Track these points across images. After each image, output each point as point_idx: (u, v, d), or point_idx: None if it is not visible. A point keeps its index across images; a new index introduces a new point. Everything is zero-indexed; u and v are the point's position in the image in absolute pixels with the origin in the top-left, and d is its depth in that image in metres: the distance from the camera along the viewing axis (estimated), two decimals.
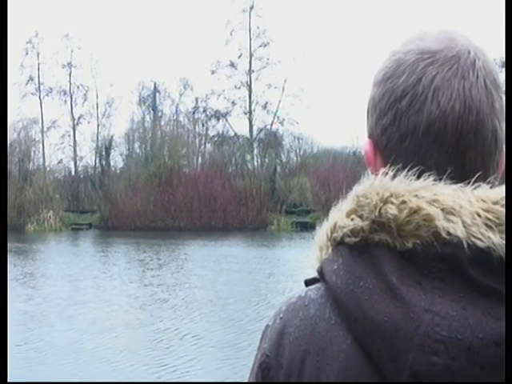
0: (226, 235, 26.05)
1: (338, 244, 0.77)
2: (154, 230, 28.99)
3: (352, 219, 0.75)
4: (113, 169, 34.84)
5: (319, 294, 0.78)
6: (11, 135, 32.80)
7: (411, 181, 0.73)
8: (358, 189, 0.77)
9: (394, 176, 0.74)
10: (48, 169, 34.52)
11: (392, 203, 0.72)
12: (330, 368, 0.73)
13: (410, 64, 0.76)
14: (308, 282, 0.82)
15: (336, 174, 30.09)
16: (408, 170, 0.74)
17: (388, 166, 0.77)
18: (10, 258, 19.08)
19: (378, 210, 0.73)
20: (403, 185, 0.73)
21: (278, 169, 35.06)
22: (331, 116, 57.40)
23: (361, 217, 0.74)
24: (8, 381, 1.90)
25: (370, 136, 0.81)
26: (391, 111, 0.77)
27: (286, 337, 0.78)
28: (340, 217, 0.77)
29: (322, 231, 0.80)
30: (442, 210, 0.70)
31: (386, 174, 0.75)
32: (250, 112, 36.29)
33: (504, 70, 0.86)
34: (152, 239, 24.65)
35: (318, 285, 0.79)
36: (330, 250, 0.78)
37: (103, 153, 34.56)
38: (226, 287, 12.95)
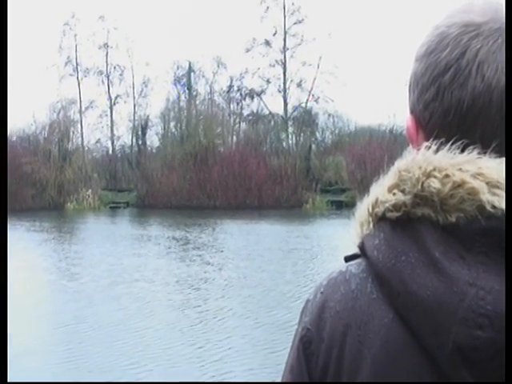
0: (261, 214, 26.14)
1: (380, 219, 0.77)
2: (189, 208, 29.30)
3: (394, 194, 0.75)
4: (149, 148, 35.25)
5: (360, 269, 0.78)
6: (51, 116, 33.52)
7: (455, 155, 0.72)
8: (399, 163, 0.76)
9: (437, 150, 0.73)
10: (86, 148, 35.17)
11: (435, 177, 0.72)
12: (371, 342, 0.73)
13: (454, 37, 0.75)
14: (348, 258, 0.82)
15: (372, 151, 29.75)
16: (451, 144, 0.73)
17: (430, 141, 0.75)
18: (52, 236, 19.61)
19: (420, 184, 0.72)
20: (446, 158, 0.72)
21: (313, 147, 34.85)
22: (367, 93, 56.53)
23: (403, 191, 0.74)
24: (8, 381, 1.89)
25: (412, 112, 0.80)
26: (434, 86, 0.76)
27: (327, 311, 0.78)
28: (381, 192, 0.77)
29: (363, 207, 0.80)
30: (487, 183, 0.70)
31: (429, 148, 0.74)
32: (285, 90, 36.06)
33: None
34: (189, 218, 24.88)
35: (358, 260, 0.80)
36: (371, 226, 0.78)
37: (139, 132, 34.95)
38: (262, 265, 12.90)
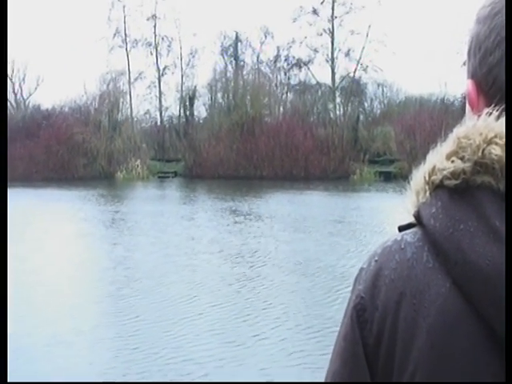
0: (308, 185, 26.06)
1: (437, 187, 0.75)
2: (236, 178, 29.47)
3: (452, 161, 0.73)
4: (196, 118, 35.48)
5: (416, 238, 0.77)
6: (101, 87, 34.10)
7: None
8: (459, 130, 0.74)
9: (499, 116, 0.71)
10: (135, 119, 35.71)
11: (496, 144, 0.69)
12: (427, 311, 0.73)
13: None
14: (402, 228, 0.81)
15: (422, 122, 29.05)
16: None
17: (492, 106, 0.73)
18: (103, 205, 20.08)
19: (481, 151, 0.70)
20: None
21: (361, 117, 34.35)
22: (417, 62, 54.96)
23: (462, 158, 0.72)
24: (8, 381, 1.88)
25: (473, 76, 0.77)
26: (499, 49, 0.73)
27: (381, 279, 0.78)
28: (439, 159, 0.75)
29: (419, 175, 0.78)
30: None
31: (490, 114, 0.71)
32: (333, 59, 35.47)
33: None
34: (235, 188, 24.98)
35: (414, 229, 0.78)
36: (427, 194, 0.77)
37: (187, 103, 35.19)
38: (310, 236, 12.83)
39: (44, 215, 17.16)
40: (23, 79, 36.27)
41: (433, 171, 0.76)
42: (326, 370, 0.83)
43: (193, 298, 7.82)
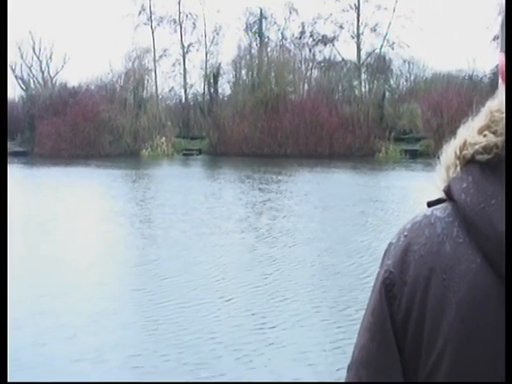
0: (333, 162, 25.95)
1: (468, 162, 0.75)
2: (260, 156, 29.47)
3: (485, 135, 0.72)
4: (221, 96, 35.45)
5: (446, 213, 0.76)
6: (126, 64, 34.23)
7: None
8: (491, 104, 0.73)
9: None
10: (160, 97, 35.80)
11: None
12: (457, 286, 0.73)
13: None
14: (431, 203, 0.80)
15: (449, 99, 28.61)
16: None
17: None
18: (131, 182, 20.29)
19: None
20: None
21: (387, 94, 33.90)
22: (445, 38, 53.85)
23: (495, 133, 0.71)
24: (8, 381, 1.87)
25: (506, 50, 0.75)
26: None
27: (410, 254, 0.77)
28: (471, 134, 0.74)
29: (450, 150, 0.77)
30: None
31: None
32: (358, 36, 34.97)
33: None
34: (260, 166, 24.94)
35: (444, 204, 0.78)
36: (458, 169, 0.76)
37: (211, 80, 35.13)
38: (335, 214, 12.73)
39: (73, 193, 17.36)
40: (50, 57, 36.59)
41: (464, 146, 0.75)
42: (354, 345, 0.83)
43: (223, 278, 7.62)
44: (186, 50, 36.65)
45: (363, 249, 9.12)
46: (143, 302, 6.72)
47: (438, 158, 0.80)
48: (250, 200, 15.18)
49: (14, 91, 36.82)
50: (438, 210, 0.78)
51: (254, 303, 6.63)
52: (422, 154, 27.37)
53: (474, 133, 0.75)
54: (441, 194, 0.79)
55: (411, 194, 15.38)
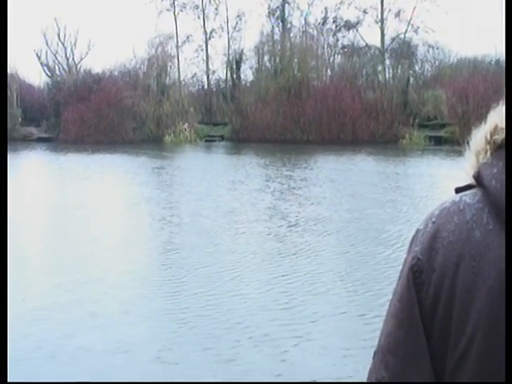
0: (356, 149, 25.80)
1: (499, 147, 0.74)
2: (283, 142, 29.40)
3: None
4: (243, 82, 35.41)
5: (476, 200, 0.75)
6: (150, 51, 34.37)
7: None
8: None
9: None
10: (183, 83, 35.90)
11: None
12: (486, 274, 0.72)
13: None
14: (459, 190, 0.79)
15: (475, 84, 28.18)
16: None
17: None
18: (157, 169, 20.41)
19: None
20: None
21: (411, 80, 33.54)
22: (471, 22, 52.86)
23: None
24: (8, 381, 1.82)
25: None
26: None
27: (439, 241, 0.77)
28: (501, 118, 0.73)
29: (480, 135, 0.76)
30: None
31: None
32: (382, 21, 34.58)
33: None
34: (282, 152, 24.88)
35: (473, 190, 0.77)
36: (488, 154, 0.75)
37: (234, 66, 35.10)
38: (359, 202, 12.63)
39: (98, 179, 17.49)
40: (75, 44, 36.88)
41: (495, 131, 0.74)
42: (380, 332, 0.82)
43: (256, 268, 7.44)
44: (208, 36, 36.67)
45: (396, 238, 8.90)
46: (174, 292, 6.50)
47: (467, 143, 0.79)
48: (277, 187, 15.08)
49: (39, 78, 37.32)
50: (468, 196, 0.77)
51: (290, 295, 6.36)
52: (446, 141, 27.08)
53: (504, 117, 0.74)
54: (470, 180, 0.78)
55: (441, 182, 15.14)
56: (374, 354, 0.82)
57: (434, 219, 0.79)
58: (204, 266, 7.46)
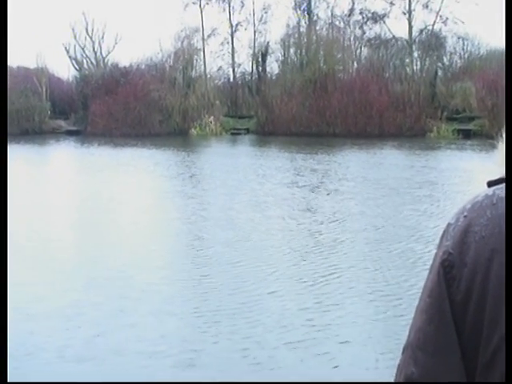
0: (382, 142, 25.58)
1: None
2: (308, 135, 29.28)
3: None
4: (269, 75, 35.34)
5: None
6: (176, 44, 34.51)
7: None
8: None
9: None
10: (209, 76, 35.99)
11: None
12: None
13: None
14: (492, 183, 0.78)
15: None
16: None
17: None
18: (184, 162, 20.52)
19: None
20: None
21: (440, 72, 33.06)
22: (502, 12, 51.68)
23: None
24: (8, 381, 1.80)
25: None
26: None
27: (470, 235, 0.75)
28: None
29: None
30: None
31: None
32: (410, 12, 34.11)
33: None
34: (308, 145, 24.86)
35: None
36: None
37: (259, 59, 35.04)
38: (385, 195, 12.52)
39: (127, 172, 17.65)
40: (102, 38, 37.25)
41: None
42: (409, 328, 0.81)
43: (294, 265, 7.32)
44: (234, 28, 36.66)
45: (434, 234, 8.66)
46: (208, 291, 6.34)
47: (500, 136, 0.77)
48: (307, 181, 14.94)
49: (68, 72, 37.78)
50: (501, 190, 0.75)
51: (328, 293, 6.23)
52: (475, 134, 26.68)
53: None
54: (503, 174, 0.77)
55: (476, 176, 14.79)
56: (403, 349, 0.81)
57: (465, 213, 0.78)
58: (241, 262, 7.32)
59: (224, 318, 5.54)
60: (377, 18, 35.29)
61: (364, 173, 16.39)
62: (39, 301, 6.12)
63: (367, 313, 5.70)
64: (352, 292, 6.29)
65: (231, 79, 36.82)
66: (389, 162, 19.39)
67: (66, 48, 36.65)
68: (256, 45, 36.06)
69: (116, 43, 37.49)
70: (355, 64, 35.98)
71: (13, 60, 31.89)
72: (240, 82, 36.48)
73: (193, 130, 32.61)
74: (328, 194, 12.71)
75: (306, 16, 35.76)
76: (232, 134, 32.40)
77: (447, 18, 33.52)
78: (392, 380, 0.84)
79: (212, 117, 32.85)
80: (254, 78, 35.46)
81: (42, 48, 64.21)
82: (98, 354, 4.84)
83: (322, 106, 30.95)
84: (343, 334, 5.18)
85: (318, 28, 35.49)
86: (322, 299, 6.07)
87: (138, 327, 5.43)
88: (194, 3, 36.41)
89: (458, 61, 35.23)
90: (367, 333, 5.23)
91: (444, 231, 0.80)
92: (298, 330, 5.25)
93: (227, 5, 36.56)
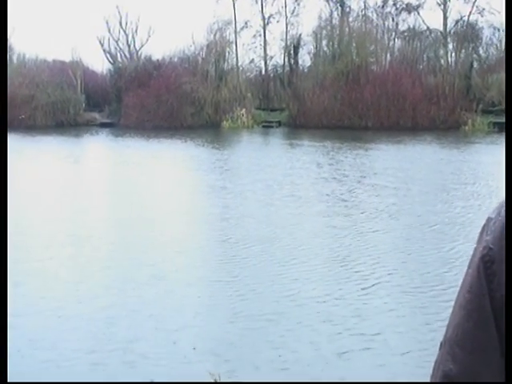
0: (416, 135, 25.28)
1: None
2: (340, 128, 29.09)
3: None
4: (301, 67, 35.22)
5: None
6: (208, 37, 34.66)
7: None
8: None
9: None
10: (241, 68, 36.05)
11: None
12: None
13: None
14: None
15: None
16: None
17: None
18: (215, 154, 20.57)
19: None
20: None
21: (475, 64, 32.49)
22: None
23: None
24: (8, 381, 1.81)
25: None
26: None
27: None
28: None
29: None
30: None
31: None
32: (445, 2, 33.52)
33: None
34: (340, 138, 24.64)
35: None
36: None
37: (291, 52, 34.93)
38: (421, 190, 12.39)
39: (161, 164, 17.77)
40: (135, 31, 37.65)
41: None
42: (446, 324, 0.80)
43: (341, 266, 7.21)
44: (266, 21, 36.57)
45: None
46: (244, 291, 6.26)
47: None
48: (344, 175, 14.75)
49: (102, 65, 38.32)
50: None
51: (370, 292, 6.16)
52: None
53: None
54: None
55: (498, 168, 14.59)
56: (441, 344, 0.80)
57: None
58: (281, 262, 7.21)
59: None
60: (411, 9, 34.81)
61: (404, 167, 16.01)
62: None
63: (410, 304, 5.76)
64: (400, 290, 6.34)
65: (263, 72, 36.80)
66: (426, 155, 18.98)
67: (100, 41, 37.20)
68: (288, 37, 35.96)
69: (149, 36, 37.87)
70: (388, 56, 35.58)
71: (49, 54, 32.43)
72: (272, 75, 36.44)
73: (224, 122, 32.73)
74: (369, 189, 12.42)
75: (339, 8, 35.47)
76: (263, 126, 32.41)
77: (484, 9, 32.92)
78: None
79: (244, 109, 32.91)
80: (285, 70, 35.38)
81: (77, 42, 65.32)
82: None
83: (354, 98, 30.73)
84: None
85: (350, 20, 35.21)
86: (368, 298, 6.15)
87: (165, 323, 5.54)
88: None
89: (495, 52, 34.51)
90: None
91: (484, 225, 0.79)
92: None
93: None
